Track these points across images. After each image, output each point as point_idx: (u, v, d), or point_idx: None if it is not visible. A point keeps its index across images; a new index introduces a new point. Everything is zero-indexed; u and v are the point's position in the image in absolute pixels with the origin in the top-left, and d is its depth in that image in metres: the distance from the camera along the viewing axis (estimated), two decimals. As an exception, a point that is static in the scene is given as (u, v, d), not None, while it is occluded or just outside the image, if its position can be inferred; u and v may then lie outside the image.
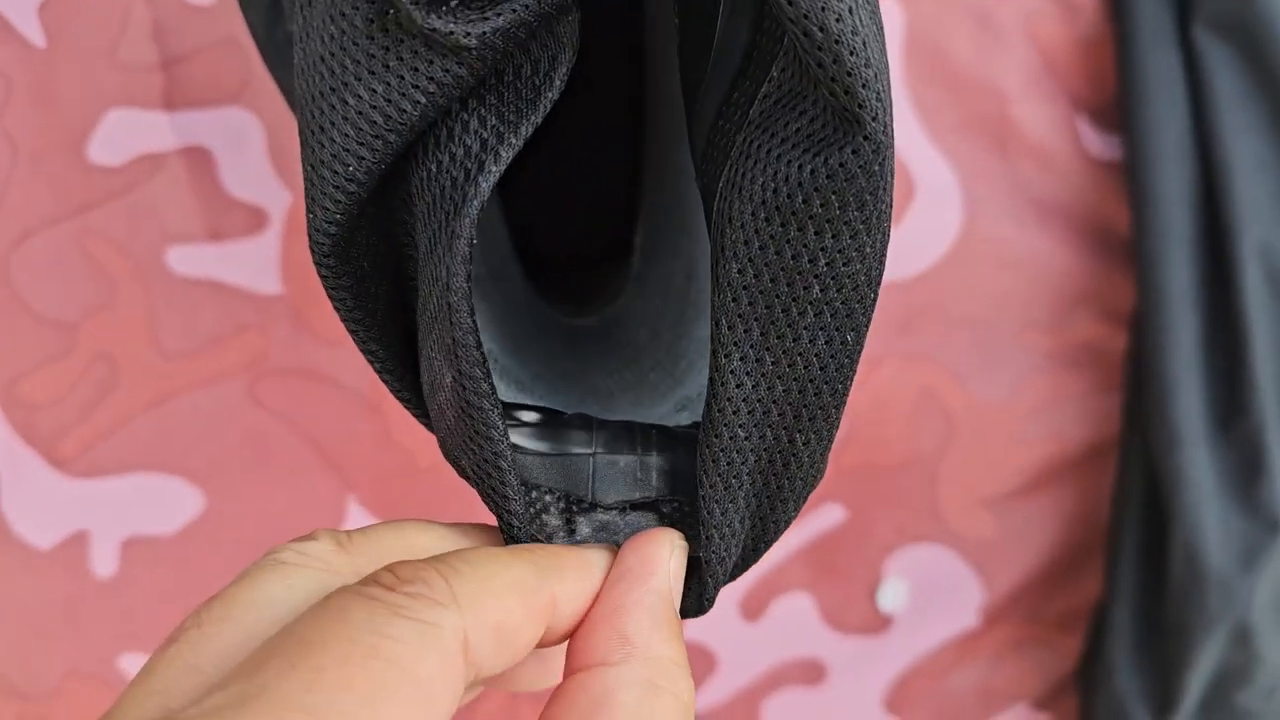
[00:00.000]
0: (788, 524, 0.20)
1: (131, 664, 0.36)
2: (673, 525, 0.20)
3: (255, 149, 0.31)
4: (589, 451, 0.21)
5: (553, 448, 0.21)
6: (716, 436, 0.19)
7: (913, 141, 0.33)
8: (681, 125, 0.24)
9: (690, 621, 0.38)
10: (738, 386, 0.19)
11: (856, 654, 0.39)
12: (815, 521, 0.37)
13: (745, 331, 0.18)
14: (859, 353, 0.19)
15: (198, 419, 0.34)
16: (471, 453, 0.19)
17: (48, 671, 0.36)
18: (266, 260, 0.32)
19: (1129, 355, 0.36)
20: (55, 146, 0.31)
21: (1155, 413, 0.33)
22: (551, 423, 0.21)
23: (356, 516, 0.35)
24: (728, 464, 0.19)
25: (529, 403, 0.22)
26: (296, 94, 0.18)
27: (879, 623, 0.39)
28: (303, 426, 0.34)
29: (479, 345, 0.18)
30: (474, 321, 0.18)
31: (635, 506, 0.21)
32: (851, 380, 0.18)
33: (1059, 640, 0.39)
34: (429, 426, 0.22)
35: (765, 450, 0.19)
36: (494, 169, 0.17)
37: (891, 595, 0.38)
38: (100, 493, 0.34)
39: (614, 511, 0.21)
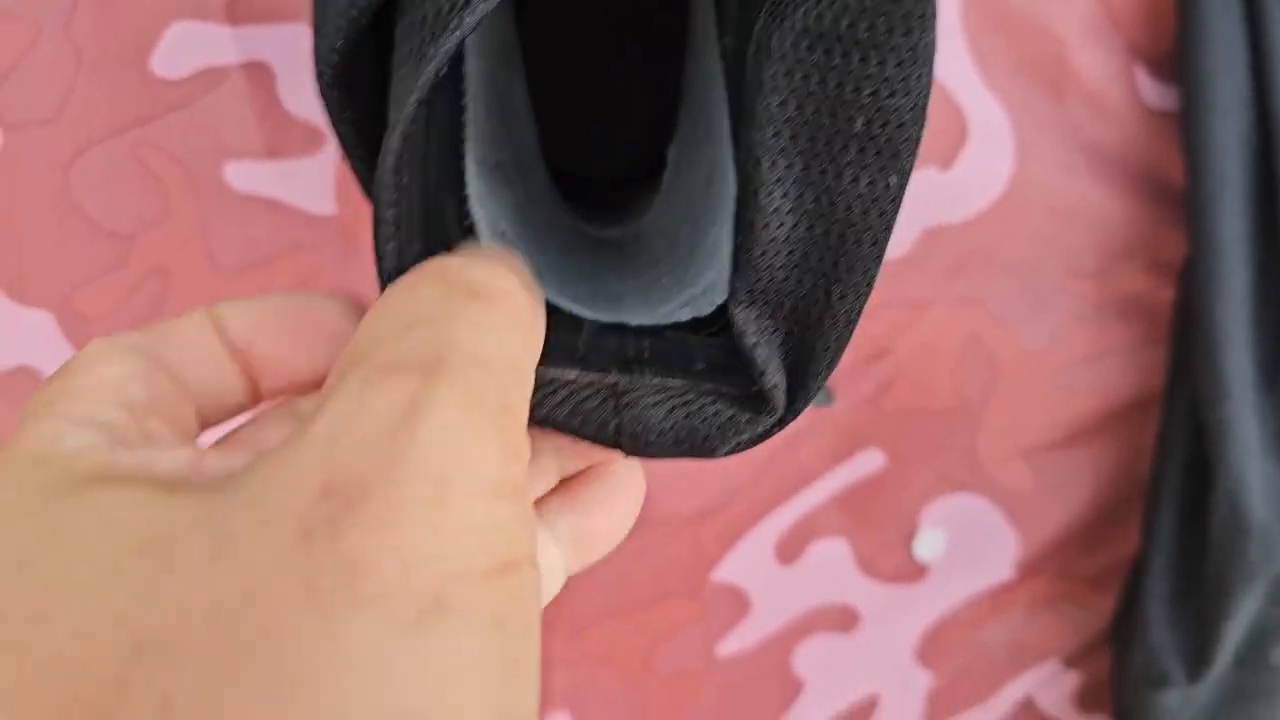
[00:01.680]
0: (818, 389, 0.19)
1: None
2: (670, 377, 0.20)
3: (315, 66, 0.32)
4: (578, 334, 0.21)
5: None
6: (756, 280, 0.19)
7: (968, 85, 0.33)
8: (710, 25, 0.24)
9: (726, 563, 0.38)
10: (778, 226, 0.18)
11: (890, 602, 0.39)
12: (855, 467, 0.37)
13: (787, 167, 0.18)
14: (899, 202, 0.18)
15: (247, 337, 0.34)
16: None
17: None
18: (322, 181, 0.33)
19: (1176, 307, 0.35)
20: (119, 57, 0.31)
21: (1203, 364, 0.33)
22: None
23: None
24: (764, 304, 0.19)
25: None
26: None
27: (914, 572, 0.39)
28: (350, 349, 0.34)
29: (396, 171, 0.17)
30: (401, 149, 0.17)
31: (630, 363, 0.20)
32: (890, 233, 0.18)
33: (1092, 598, 0.39)
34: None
35: (801, 299, 0.19)
36: (482, 5, 0.17)
37: (928, 544, 0.38)
38: (149, 407, 0.34)
39: (608, 367, 0.20)
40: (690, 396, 0.20)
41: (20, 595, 0.14)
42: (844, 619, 0.39)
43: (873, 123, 0.17)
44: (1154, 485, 0.36)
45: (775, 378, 0.19)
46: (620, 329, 0.21)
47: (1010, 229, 0.35)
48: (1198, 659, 0.36)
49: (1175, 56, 0.33)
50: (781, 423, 0.20)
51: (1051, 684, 0.40)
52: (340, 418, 0.15)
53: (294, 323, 0.19)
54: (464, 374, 0.15)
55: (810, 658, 0.40)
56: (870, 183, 0.18)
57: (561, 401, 0.20)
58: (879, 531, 0.38)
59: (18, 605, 0.14)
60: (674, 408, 0.20)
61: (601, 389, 0.20)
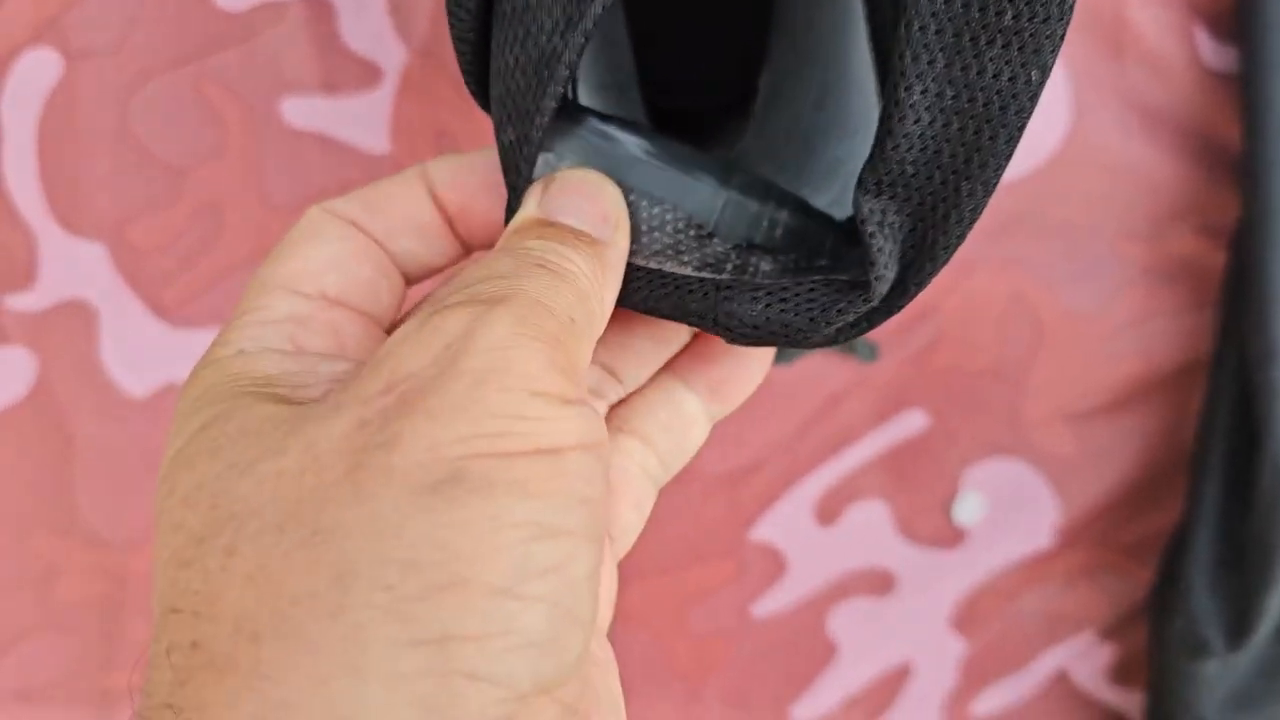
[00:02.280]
0: (928, 281, 0.20)
1: (212, 521, 0.36)
2: (782, 275, 0.21)
3: (375, 3, 0.32)
4: (723, 190, 0.21)
5: (684, 171, 0.21)
6: (886, 173, 0.19)
7: (1024, 41, 0.33)
8: None
9: (764, 523, 0.38)
10: (915, 122, 0.18)
11: (927, 567, 0.39)
12: (896, 428, 0.37)
13: (929, 63, 0.18)
14: (1038, 98, 0.19)
15: (296, 276, 0.34)
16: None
17: (128, 523, 0.36)
18: (377, 117, 0.33)
19: (1227, 273, 0.35)
20: (182, -13, 0.31)
21: (1253, 325, 0.33)
22: (689, 155, 0.21)
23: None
24: (890, 198, 0.19)
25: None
26: None
27: (952, 536, 0.38)
28: (398, 291, 0.34)
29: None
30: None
31: (752, 248, 0.21)
32: (1023, 129, 0.18)
33: (1131, 568, 0.39)
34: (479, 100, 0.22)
35: (930, 195, 0.19)
36: None
37: (967, 508, 0.38)
38: (197, 343, 0.34)
39: (729, 247, 0.21)
40: (787, 292, 0.20)
41: (166, 477, 0.18)
42: (880, 582, 0.39)
43: (1021, 15, 0.17)
44: (1199, 451, 0.36)
45: (887, 270, 0.19)
46: (748, 208, 0.22)
47: (1061, 189, 0.35)
48: (1238, 627, 0.35)
49: (1235, 15, 0.33)
50: (870, 317, 0.20)
51: (1086, 656, 0.40)
52: (410, 333, 0.18)
53: (496, 177, 0.22)
54: (523, 306, 0.18)
55: (845, 621, 0.39)
56: (1012, 77, 0.18)
57: (668, 294, 0.21)
58: (919, 494, 0.38)
59: (164, 484, 0.18)
60: (769, 304, 0.20)
61: (707, 284, 0.20)
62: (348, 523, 0.16)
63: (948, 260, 0.20)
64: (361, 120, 0.33)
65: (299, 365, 0.19)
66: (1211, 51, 0.34)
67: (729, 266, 0.21)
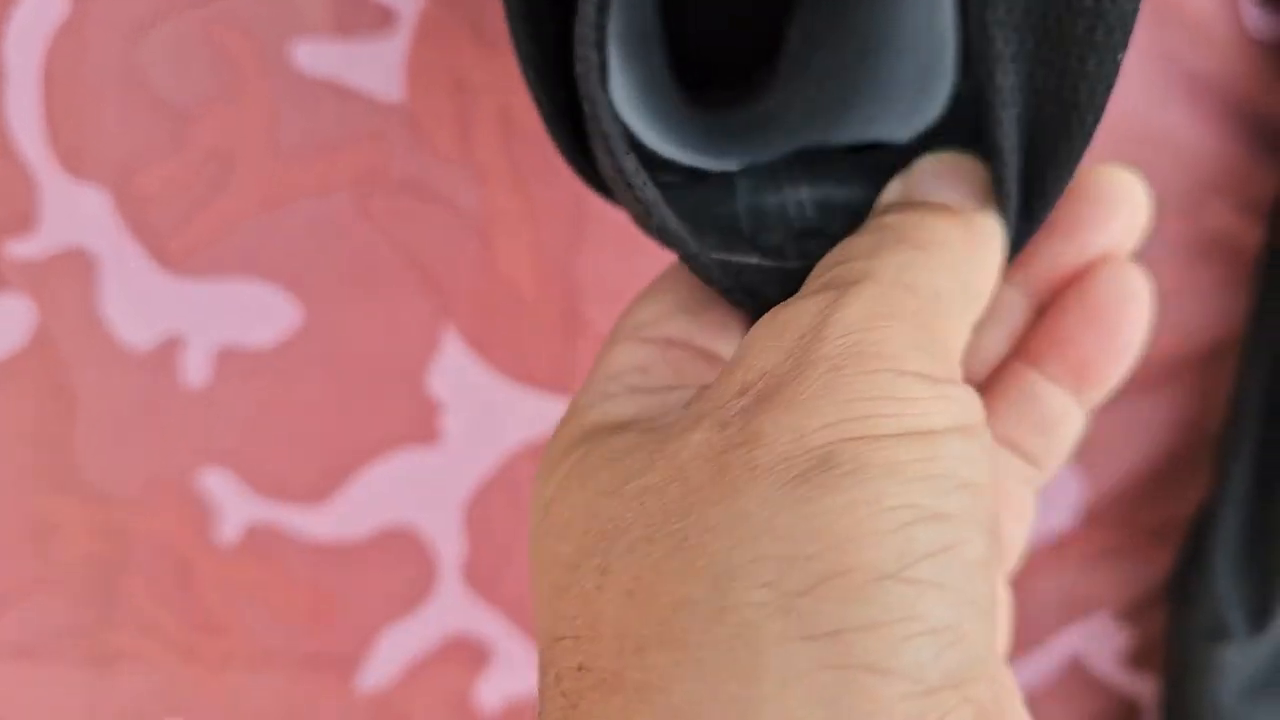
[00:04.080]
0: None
1: (214, 480, 0.36)
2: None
3: (394, -55, 0.31)
4: (733, 207, 0.21)
5: (697, 207, 0.21)
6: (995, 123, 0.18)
7: (1063, 4, 0.32)
8: None
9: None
10: (1004, 106, 0.18)
11: (944, 544, 0.38)
12: (916, 401, 0.36)
13: (1020, 43, 0.18)
14: (1115, 79, 0.18)
15: (305, 228, 0.33)
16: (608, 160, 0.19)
17: (129, 478, 0.36)
18: (392, 64, 0.32)
19: (1263, 251, 0.34)
20: (193, -76, 0.30)
21: (1290, 304, 0.32)
22: (689, 184, 0.21)
23: (451, 346, 0.35)
24: (997, 150, 0.19)
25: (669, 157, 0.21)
26: None
27: (970, 513, 0.38)
28: (408, 247, 0.33)
29: (599, 31, 0.17)
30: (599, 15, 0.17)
31: (803, 235, 0.20)
32: (1104, 111, 0.18)
33: (1150, 551, 0.38)
34: (567, 157, 0.22)
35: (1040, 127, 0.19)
36: None
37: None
38: (201, 296, 0.34)
39: (779, 236, 0.20)
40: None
41: (536, 514, 0.18)
42: (895, 559, 0.38)
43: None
44: (1228, 433, 0.35)
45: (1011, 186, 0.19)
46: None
47: (1096, 160, 0.34)
48: (1261, 612, 0.35)
49: (1283, -18, 0.32)
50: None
51: (1101, 639, 0.39)
52: (760, 330, 0.17)
53: None
54: (878, 286, 0.17)
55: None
56: (1099, 62, 0.18)
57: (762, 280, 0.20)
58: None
59: (535, 519, 0.18)
60: None
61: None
62: (716, 524, 0.15)
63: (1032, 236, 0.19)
64: (375, 66, 0.32)
65: (650, 400, 0.19)
66: (1257, 18, 0.32)
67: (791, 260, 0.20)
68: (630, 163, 0.18)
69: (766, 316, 0.17)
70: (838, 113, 0.23)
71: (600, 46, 0.17)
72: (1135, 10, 0.17)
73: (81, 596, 0.37)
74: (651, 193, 0.18)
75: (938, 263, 0.18)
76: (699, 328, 0.20)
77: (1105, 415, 0.36)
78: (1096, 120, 0.18)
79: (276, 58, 0.31)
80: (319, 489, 0.36)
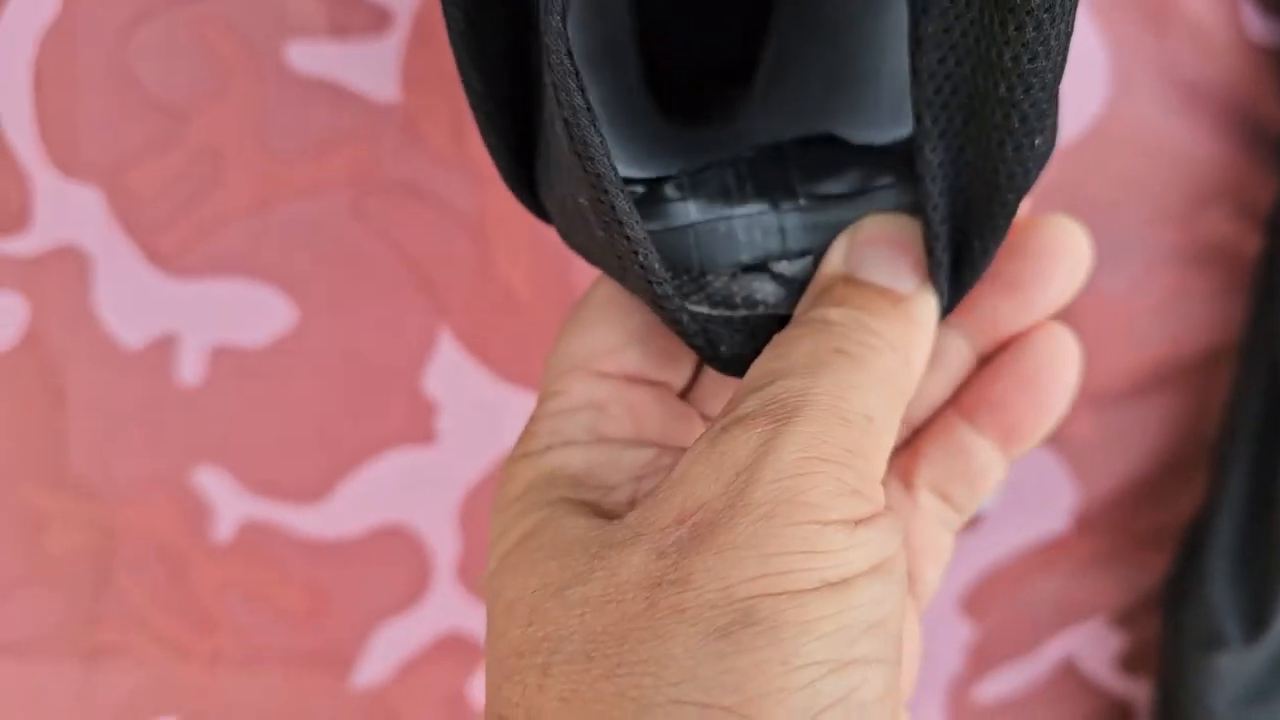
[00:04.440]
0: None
1: (208, 477, 0.35)
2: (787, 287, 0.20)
3: (388, -56, 0.30)
4: (686, 221, 0.21)
5: (656, 223, 0.20)
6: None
7: (1063, 8, 0.32)
8: None
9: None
10: (932, 180, 0.19)
11: (938, 547, 0.38)
12: (911, 405, 0.36)
13: (949, 121, 0.18)
14: (1046, 159, 0.18)
15: (298, 228, 0.33)
16: (594, 209, 0.19)
17: (121, 476, 0.36)
18: (387, 64, 0.31)
19: (1261, 258, 0.34)
20: (186, -79, 0.30)
21: (1288, 313, 0.32)
22: (647, 197, 0.21)
23: (446, 348, 0.34)
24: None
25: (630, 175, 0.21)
26: None
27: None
28: (403, 247, 0.33)
29: (577, 77, 0.17)
30: (569, 56, 0.17)
31: (747, 270, 0.20)
32: (1030, 188, 0.18)
33: (1145, 556, 0.38)
34: (518, 194, 0.21)
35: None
36: None
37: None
38: (194, 295, 0.33)
39: (724, 279, 0.20)
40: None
41: (493, 579, 0.20)
42: (889, 562, 0.38)
43: (1015, 88, 0.17)
44: (1224, 440, 0.35)
45: (942, 256, 0.19)
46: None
47: (1094, 167, 0.33)
48: (1257, 620, 0.35)
49: (1285, -12, 0.32)
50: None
51: (1095, 643, 0.39)
52: (701, 453, 0.18)
53: None
54: (814, 423, 0.17)
55: (851, 600, 0.39)
56: (1016, 147, 0.18)
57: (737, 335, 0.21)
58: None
59: (492, 585, 0.20)
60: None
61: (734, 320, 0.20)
62: (646, 659, 0.17)
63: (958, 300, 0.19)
64: (371, 67, 0.31)
65: (603, 456, 0.20)
66: (1258, 25, 0.32)
67: (738, 303, 0.20)
68: (622, 201, 0.18)
69: (709, 436, 0.18)
70: (813, 129, 0.23)
71: (577, 74, 0.17)
72: (1048, 100, 0.17)
73: (73, 592, 0.37)
74: (640, 232, 0.18)
75: (874, 380, 0.18)
76: (651, 360, 0.21)
77: (1100, 421, 0.36)
78: (1018, 199, 0.18)
79: (268, 57, 0.31)
80: (314, 487, 0.36)
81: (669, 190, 0.21)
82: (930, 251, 0.19)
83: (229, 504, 0.36)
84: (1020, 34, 0.16)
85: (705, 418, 0.23)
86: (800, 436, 0.17)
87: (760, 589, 0.16)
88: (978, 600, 0.39)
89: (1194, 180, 0.34)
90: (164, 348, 0.34)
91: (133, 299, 0.33)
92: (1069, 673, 0.40)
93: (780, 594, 0.16)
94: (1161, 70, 0.32)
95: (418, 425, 0.35)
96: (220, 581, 0.37)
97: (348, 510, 0.36)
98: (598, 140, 0.17)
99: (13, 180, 0.32)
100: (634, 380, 0.21)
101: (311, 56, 0.31)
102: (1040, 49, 0.17)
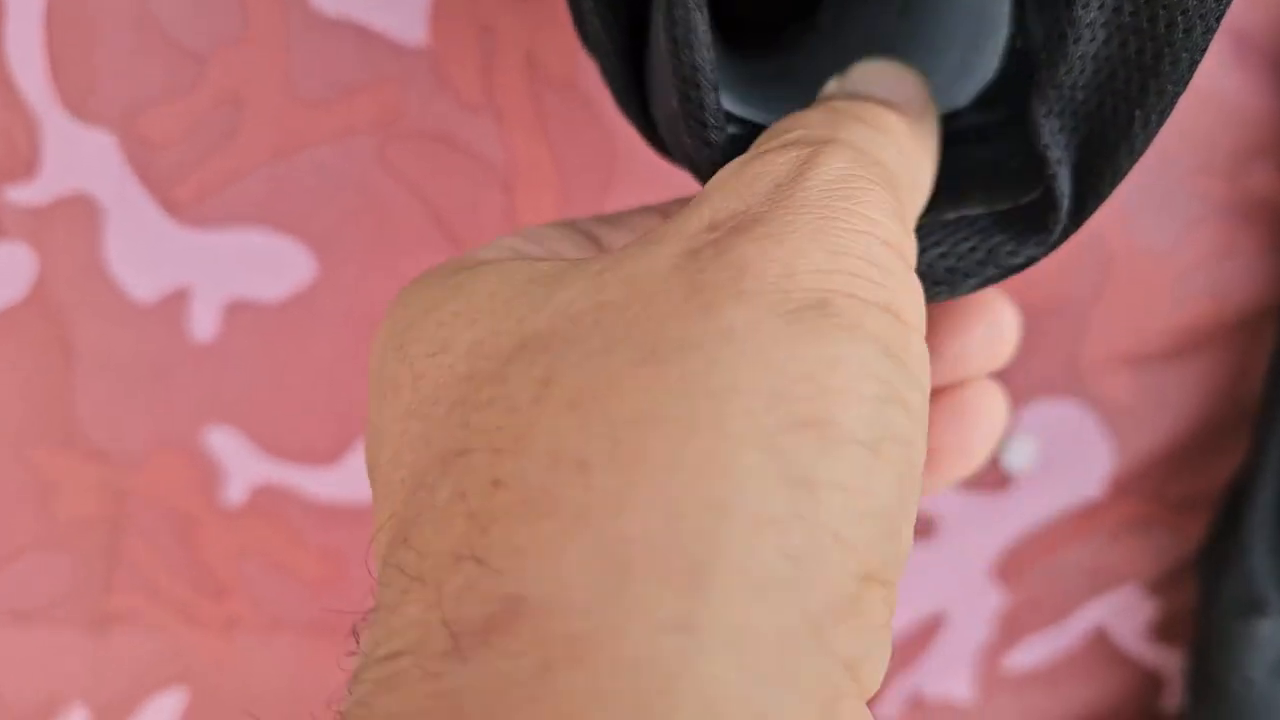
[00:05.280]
0: (1088, 215, 0.18)
1: (220, 438, 0.34)
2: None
3: (419, -122, 0.29)
4: None
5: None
6: (1058, 100, 0.17)
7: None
8: None
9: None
10: (1090, 41, 0.17)
11: (972, 512, 0.37)
12: (946, 365, 0.35)
13: None
14: (1222, 17, 0.17)
15: (320, 177, 0.32)
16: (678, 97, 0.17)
17: (131, 436, 0.34)
18: (415, 5, 0.30)
19: (1309, 214, 0.33)
20: None
21: (1340, 268, 0.31)
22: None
23: (472, 305, 0.33)
24: (1059, 129, 0.17)
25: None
26: None
27: (999, 481, 0.37)
28: (429, 197, 0.32)
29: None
30: None
31: None
32: (1205, 51, 0.16)
33: (1182, 522, 0.38)
34: (633, 118, 0.20)
35: (1100, 124, 0.17)
36: None
37: (1017, 452, 0.36)
38: (210, 246, 0.32)
39: None
40: (954, 236, 0.19)
41: (421, 334, 0.16)
42: (920, 527, 0.37)
43: None
44: (1266, 402, 0.35)
45: (1065, 186, 0.18)
46: None
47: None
48: (1298, 587, 0.34)
49: (1342, -67, 0.31)
50: (1049, 246, 0.19)
51: (1128, 611, 0.39)
52: (727, 177, 0.16)
53: None
54: (851, 151, 0.16)
55: (880, 567, 0.38)
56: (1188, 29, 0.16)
57: None
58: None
59: (419, 343, 0.16)
60: (929, 250, 0.19)
61: None
62: (697, 338, 0.13)
63: (1113, 189, 0.18)
64: (398, 8, 0.30)
65: (555, 247, 0.18)
66: (1312, -28, 0.31)
67: None
68: (712, 99, 0.17)
69: (728, 168, 0.16)
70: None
71: None
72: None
73: (83, 558, 0.35)
74: (721, 136, 0.17)
75: (894, 146, 0.17)
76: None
77: (1139, 382, 0.36)
78: (1194, 63, 0.17)
79: (293, -4, 0.30)
80: (330, 449, 0.35)
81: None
82: (1043, 163, 0.18)
83: (242, 466, 0.35)
84: None
85: None
86: (843, 158, 0.15)
87: (832, 284, 0.14)
88: (1010, 567, 0.38)
89: (1239, 133, 0.33)
90: (177, 301, 0.33)
91: (146, 250, 0.32)
92: (1100, 642, 0.39)
93: (852, 296, 0.14)
94: (1211, 19, 0.32)
95: (440, 384, 0.34)
96: (233, 547, 0.36)
97: (363, 473, 0.35)
98: (702, 35, 0.16)
99: (21, 123, 0.31)
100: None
101: (336, -4, 0.30)
102: None
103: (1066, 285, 0.34)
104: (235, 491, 0.35)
